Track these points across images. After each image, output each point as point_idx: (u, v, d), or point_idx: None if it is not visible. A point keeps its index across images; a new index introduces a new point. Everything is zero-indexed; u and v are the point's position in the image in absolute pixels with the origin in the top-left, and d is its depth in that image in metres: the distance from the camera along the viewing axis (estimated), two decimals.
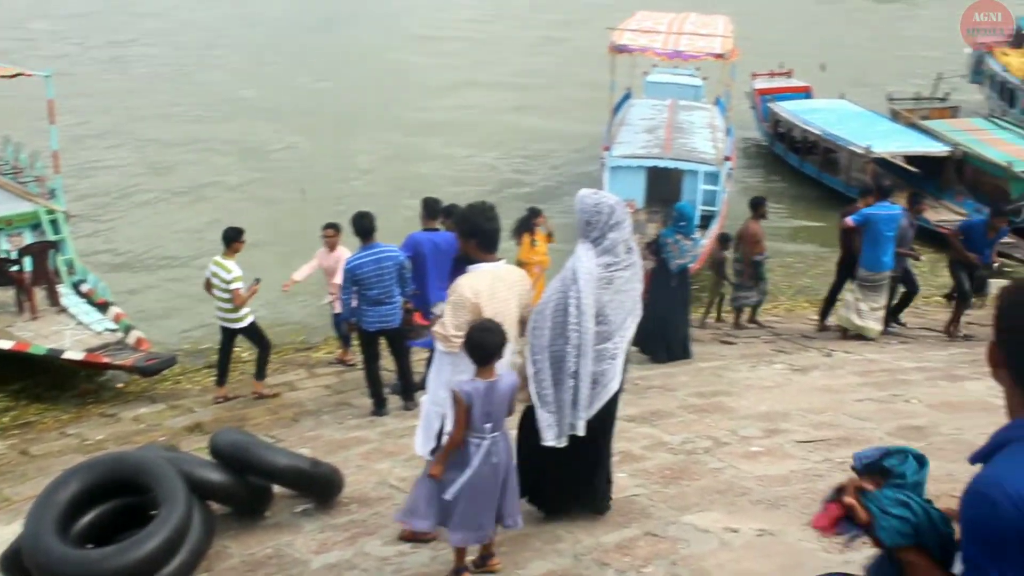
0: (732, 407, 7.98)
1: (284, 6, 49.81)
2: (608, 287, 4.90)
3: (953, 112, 23.63)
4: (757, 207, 12.34)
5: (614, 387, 4.98)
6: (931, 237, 15.63)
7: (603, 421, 5.18)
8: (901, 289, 12.03)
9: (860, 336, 11.37)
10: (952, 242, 11.99)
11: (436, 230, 9.73)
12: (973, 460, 2.18)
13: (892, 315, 12.06)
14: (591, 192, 5.11)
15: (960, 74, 27.31)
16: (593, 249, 4.92)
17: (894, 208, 11.35)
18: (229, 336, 10.27)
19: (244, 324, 10.14)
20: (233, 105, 28.03)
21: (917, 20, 49.53)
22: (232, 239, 9.96)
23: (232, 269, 9.81)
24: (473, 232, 5.24)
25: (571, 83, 30.26)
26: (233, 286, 9.77)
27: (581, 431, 4.90)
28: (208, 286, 10.10)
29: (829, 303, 12.33)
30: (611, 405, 5.18)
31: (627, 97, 21.87)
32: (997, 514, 1.93)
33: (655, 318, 9.92)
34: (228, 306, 9.95)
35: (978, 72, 26.91)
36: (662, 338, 10.32)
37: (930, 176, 18.93)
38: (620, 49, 18.41)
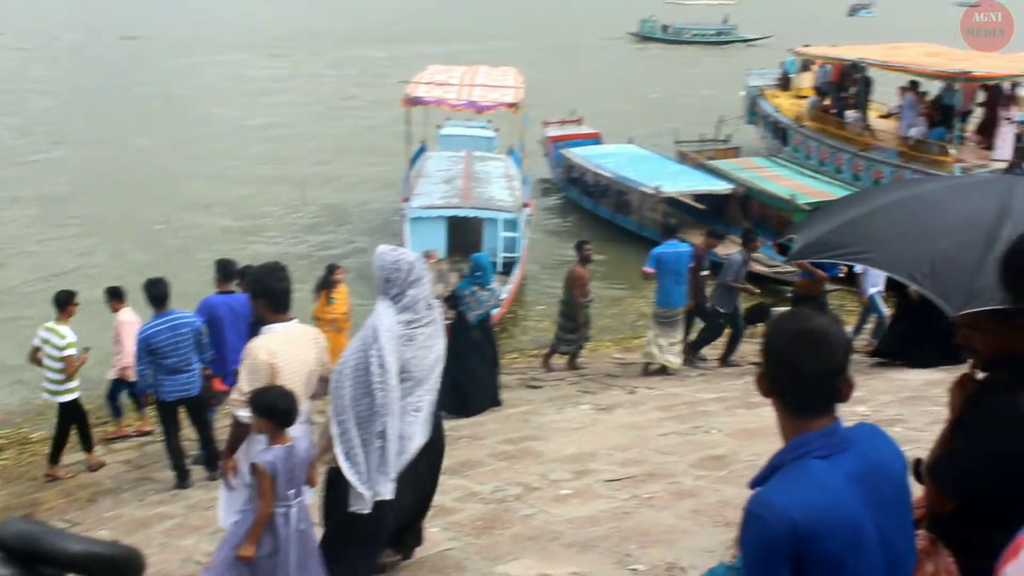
0: (541, 451, 8.02)
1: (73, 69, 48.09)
2: (410, 344, 4.85)
3: (736, 152, 24.82)
4: (580, 250, 12.60)
5: (418, 443, 4.91)
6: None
7: (432, 473, 5.16)
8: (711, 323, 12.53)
9: (662, 371, 11.72)
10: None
11: (231, 292, 9.47)
12: (752, 485, 2.32)
13: (693, 349, 12.48)
14: (390, 249, 5.06)
15: (738, 115, 28.76)
16: (393, 306, 4.87)
17: (682, 246, 11.81)
18: (67, 409, 9.57)
19: (74, 396, 9.53)
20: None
21: (700, 66, 52.14)
22: (65, 302, 9.35)
23: (66, 335, 9.22)
24: (263, 292, 5.16)
25: (369, 137, 30.28)
26: (66, 352, 9.17)
27: (390, 494, 4.80)
28: (36, 354, 9.48)
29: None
30: (435, 457, 5.16)
31: (422, 150, 22.03)
32: (768, 532, 2.05)
33: (459, 371, 9.94)
34: (59, 376, 9.32)
35: (753, 113, 28.46)
36: (467, 391, 10.32)
37: (717, 213, 19.78)
38: (415, 102, 18.56)
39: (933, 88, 23.01)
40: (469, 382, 10.30)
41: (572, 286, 12.41)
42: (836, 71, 25.79)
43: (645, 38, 69.77)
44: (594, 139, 25.14)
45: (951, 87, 21.34)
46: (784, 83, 29.09)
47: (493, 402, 10.61)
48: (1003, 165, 19.82)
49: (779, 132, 25.91)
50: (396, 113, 19.09)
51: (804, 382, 2.25)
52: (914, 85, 22.56)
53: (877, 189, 3.27)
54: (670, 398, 10.15)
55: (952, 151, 20.19)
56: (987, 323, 2.57)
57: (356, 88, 42.08)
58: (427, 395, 4.94)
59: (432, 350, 4.98)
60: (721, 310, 12.35)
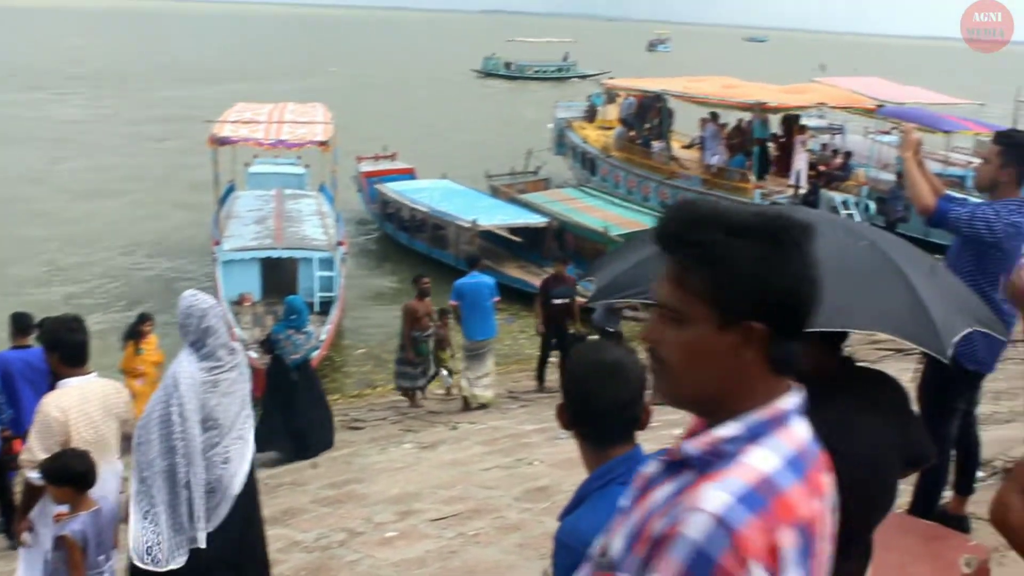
0: (365, 494, 7.88)
1: None
2: (214, 390, 4.67)
3: (546, 184, 25.26)
4: (417, 283, 12.62)
5: (234, 491, 4.73)
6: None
7: (252, 528, 4.97)
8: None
9: (483, 405, 11.74)
10: (537, 301, 12.76)
11: (28, 347, 8.94)
12: (561, 516, 2.37)
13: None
14: (189, 294, 4.88)
15: (547, 147, 29.32)
16: (194, 353, 4.69)
17: (483, 277, 11.97)
18: None
19: None
20: None
21: (512, 101, 52.99)
22: None
23: None
24: (56, 345, 4.92)
25: (179, 178, 29.42)
26: None
27: (202, 543, 4.59)
28: None
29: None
30: (252, 511, 4.97)
31: (231, 189, 21.49)
32: (576, 560, 2.05)
33: (291, 415, 9.70)
34: None
35: (561, 145, 29.10)
36: (305, 434, 10.08)
37: (533, 245, 20.02)
38: (222, 141, 18.11)
39: (731, 119, 24.05)
40: (306, 426, 10.06)
41: (405, 320, 12.35)
42: (639, 103, 26.65)
43: (489, 75, 71.59)
44: (408, 174, 25.12)
45: (762, 121, 22.34)
46: (591, 115, 29.86)
47: (327, 444, 10.39)
48: (800, 190, 20.88)
49: (587, 162, 26.54)
50: (205, 153, 18.57)
51: (602, 413, 2.29)
52: (715, 116, 23.54)
53: None
54: (492, 431, 10.15)
55: (751, 178, 21.10)
56: None
57: (164, 128, 40.88)
58: (235, 443, 4.76)
59: (236, 396, 4.82)
60: (610, 329, 12.60)
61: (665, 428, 8.97)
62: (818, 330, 2.48)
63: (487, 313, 11.76)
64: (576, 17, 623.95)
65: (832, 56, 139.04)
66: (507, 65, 73.43)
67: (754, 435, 1.55)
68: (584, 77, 66.05)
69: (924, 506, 5.04)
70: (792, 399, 1.60)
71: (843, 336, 2.71)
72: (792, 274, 1.56)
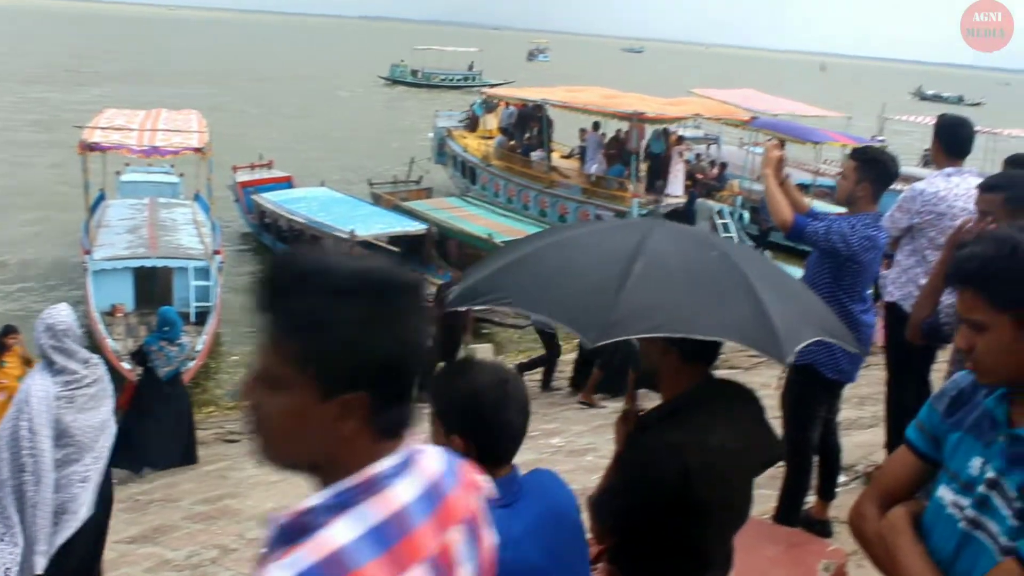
0: (239, 509, 7.73)
1: None
2: (70, 406, 4.52)
3: (428, 193, 25.22)
4: None
5: (85, 513, 4.58)
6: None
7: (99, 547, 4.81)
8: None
9: None
10: (435, 308, 12.75)
11: None
12: None
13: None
14: (49, 309, 4.74)
15: (428, 156, 29.30)
16: (48, 368, 4.54)
17: None
18: None
19: None
20: None
21: (396, 109, 52.80)
22: None
23: None
24: None
25: (45, 186, 28.42)
26: None
27: (39, 568, 4.44)
28: None
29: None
30: (102, 531, 4.82)
31: (101, 198, 20.86)
32: None
33: (135, 423, 9.44)
34: None
35: (441, 153, 29.11)
36: (142, 444, 9.80)
37: (413, 253, 19.94)
38: (92, 147, 17.58)
39: (610, 129, 24.39)
40: (148, 435, 9.78)
41: None
42: (519, 111, 26.84)
43: (396, 82, 71.69)
44: (286, 183, 24.73)
45: (657, 135, 22.68)
46: (472, 124, 29.95)
47: (188, 459, 10.15)
48: (677, 200, 21.30)
49: (468, 171, 26.60)
50: (75, 159, 17.99)
51: (494, 434, 2.28)
52: (596, 126, 23.84)
53: (532, 237, 3.38)
54: None
55: (630, 187, 21.42)
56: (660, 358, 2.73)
57: (28, 133, 39.52)
58: (96, 464, 4.62)
59: (97, 412, 4.68)
60: (548, 331, 12.77)
61: (543, 437, 9.06)
62: (668, 338, 2.54)
63: None
64: (458, 25, 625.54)
65: (706, 68, 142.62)
66: (414, 73, 73.80)
67: (343, 504, 1.45)
68: (491, 86, 66.90)
69: (788, 512, 5.18)
70: (388, 462, 1.51)
71: (709, 351, 2.76)
72: (395, 338, 1.48)
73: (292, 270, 1.49)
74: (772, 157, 5.29)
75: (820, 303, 3.30)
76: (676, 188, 22.12)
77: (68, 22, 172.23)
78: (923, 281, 5.65)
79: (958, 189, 5.63)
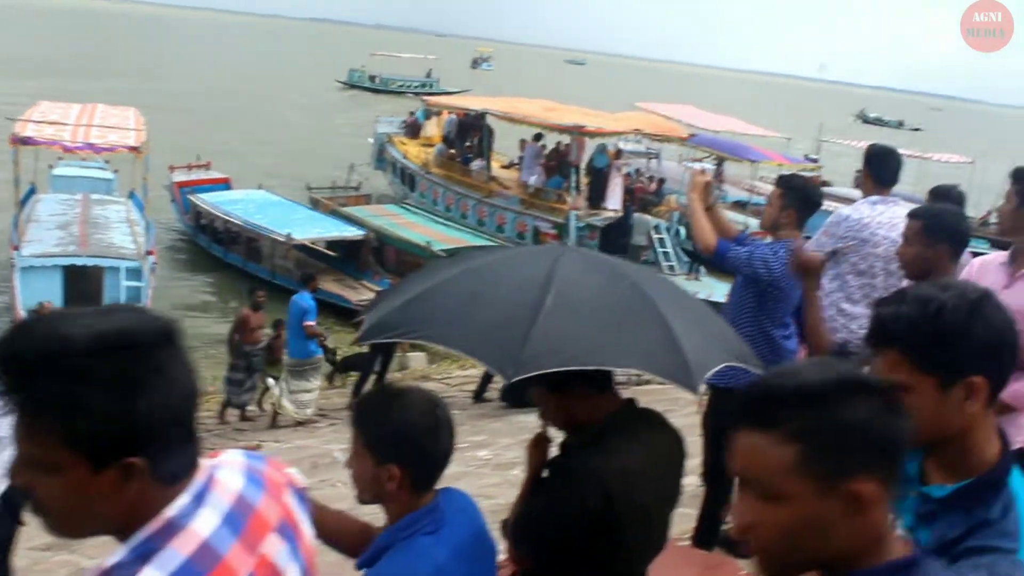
0: None
1: None
2: None
3: (367, 199, 25.15)
4: (252, 295, 12.42)
5: None
6: (349, 314, 16.37)
7: None
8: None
9: (300, 423, 11.58)
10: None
11: None
12: (359, 565, 2.32)
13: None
14: None
15: (367, 162, 29.20)
16: None
17: (303, 296, 11.84)
18: None
19: None
20: None
21: (348, 113, 52.48)
22: None
23: None
24: None
25: None
26: None
27: None
28: None
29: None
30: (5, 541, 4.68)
31: (32, 192, 20.46)
32: None
33: None
34: None
35: (381, 159, 29.03)
36: None
37: (350, 259, 19.87)
38: (24, 141, 17.28)
39: (551, 141, 24.48)
40: None
41: (235, 328, 12.16)
42: (460, 120, 26.83)
43: (353, 87, 71.57)
44: (223, 184, 24.50)
45: (601, 151, 22.78)
46: (414, 130, 29.90)
47: None
48: (614, 213, 21.43)
49: (407, 178, 26.55)
50: (4, 152, 17.67)
51: (430, 462, 2.31)
52: (538, 137, 23.93)
53: (442, 263, 3.36)
54: (296, 451, 9.97)
55: (568, 199, 21.52)
56: (547, 395, 2.74)
57: None
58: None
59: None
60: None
61: (471, 449, 9.05)
62: (579, 370, 2.55)
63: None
64: (405, 31, 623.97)
65: (649, 83, 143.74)
66: (372, 78, 74.16)
67: (146, 554, 1.41)
68: (447, 94, 67.22)
69: (707, 533, 5.24)
70: (183, 500, 1.48)
71: (601, 378, 2.77)
72: (160, 393, 1.42)
73: (32, 348, 1.37)
74: (698, 182, 5.38)
75: (727, 327, 3.35)
76: (614, 202, 22.26)
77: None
78: (844, 305, 5.78)
79: (882, 217, 5.74)
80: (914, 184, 31.18)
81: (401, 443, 2.28)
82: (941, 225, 4.01)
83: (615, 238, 20.61)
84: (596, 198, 22.43)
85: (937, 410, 1.96)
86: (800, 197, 5.13)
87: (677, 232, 22.00)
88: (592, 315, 2.68)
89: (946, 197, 6.64)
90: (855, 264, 5.75)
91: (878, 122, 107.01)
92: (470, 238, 20.57)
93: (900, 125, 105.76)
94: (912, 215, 4.13)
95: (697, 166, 27.34)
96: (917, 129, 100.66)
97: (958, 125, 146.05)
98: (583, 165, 22.78)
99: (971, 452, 1.99)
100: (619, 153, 24.05)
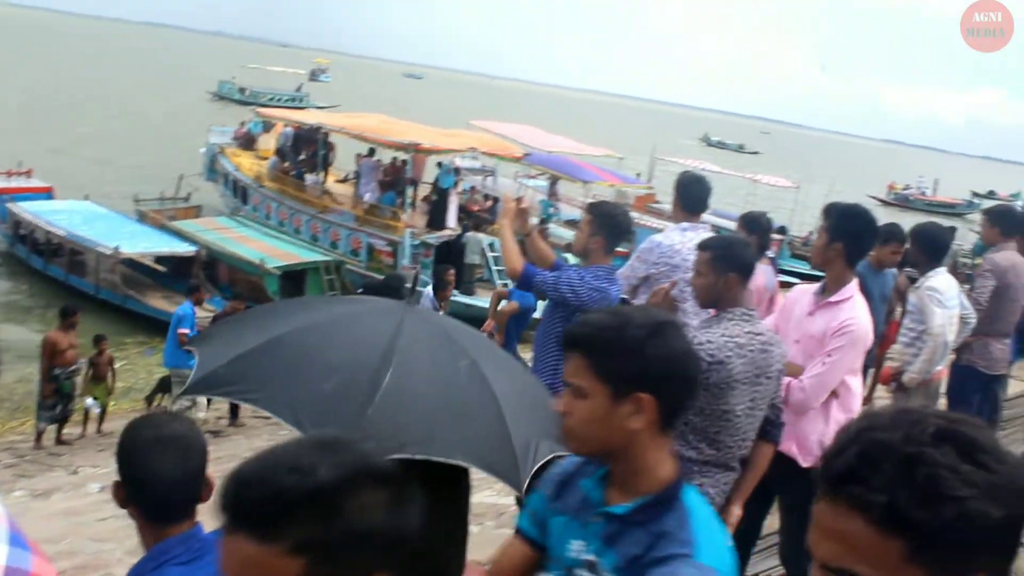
0: None
1: None
2: None
3: (197, 211, 24.53)
4: (66, 316, 11.88)
5: None
6: None
7: None
8: None
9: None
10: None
11: None
12: None
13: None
14: None
15: (199, 173, 28.50)
16: None
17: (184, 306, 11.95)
18: None
19: None
20: None
21: (198, 125, 51.10)
22: None
23: None
24: None
25: None
26: None
27: None
28: None
29: None
30: None
31: None
32: None
33: None
34: None
35: (213, 171, 28.35)
36: None
37: (180, 275, 19.33)
38: None
39: (387, 156, 24.38)
40: None
41: (43, 352, 11.65)
42: (296, 133, 26.47)
43: (223, 99, 71.20)
44: (45, 193, 23.48)
45: (448, 170, 22.75)
46: (248, 142, 29.35)
47: None
48: (449, 233, 21.48)
49: (240, 191, 25.99)
50: None
51: (161, 489, 2.23)
52: (371, 152, 23.82)
53: (282, 310, 3.31)
54: (114, 475, 9.66)
55: (404, 216, 21.50)
56: None
57: None
58: None
59: None
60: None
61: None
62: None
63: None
64: (244, 39, 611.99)
65: (486, 99, 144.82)
66: (242, 91, 73.14)
67: None
68: (319, 108, 67.14)
69: None
70: None
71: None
72: None
73: None
74: (508, 209, 5.50)
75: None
76: (450, 220, 22.34)
77: None
78: None
79: (691, 243, 5.95)
80: (742, 205, 32.47)
81: (124, 469, 2.26)
82: (727, 256, 4.14)
83: (450, 257, 20.66)
84: (439, 219, 22.43)
85: (606, 420, 2.05)
86: (608, 224, 5.28)
87: None
88: (429, 399, 2.68)
89: (755, 223, 7.01)
90: None
91: (720, 145, 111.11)
92: (305, 253, 20.32)
93: (740, 148, 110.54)
94: (701, 246, 4.27)
95: (531, 183, 27.87)
96: (755, 152, 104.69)
97: (787, 148, 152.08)
98: (427, 183, 22.80)
99: (645, 472, 2.08)
100: (456, 171, 24.14)
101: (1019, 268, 7.24)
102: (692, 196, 6.21)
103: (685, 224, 6.08)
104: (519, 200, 5.78)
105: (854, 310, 4.63)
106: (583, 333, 2.11)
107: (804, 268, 31.76)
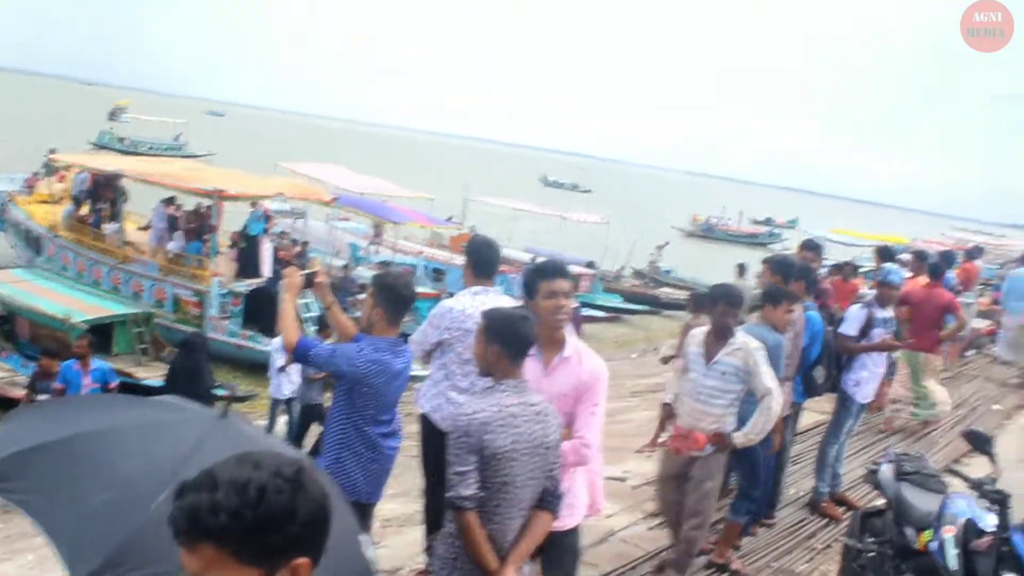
0: None
1: None
2: None
3: None
4: None
5: None
6: None
7: None
8: None
9: None
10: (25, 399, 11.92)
11: None
12: None
13: None
14: None
15: None
16: None
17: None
18: None
19: None
20: None
21: None
22: None
23: None
24: None
25: None
26: None
27: None
28: None
29: None
30: None
31: None
32: None
33: None
34: None
35: (2, 220, 26.84)
36: None
37: None
38: None
39: (190, 202, 23.58)
40: None
41: None
42: (92, 180, 25.25)
43: (104, 148, 68.71)
44: None
45: (257, 217, 22.08)
46: (38, 189, 28.01)
47: None
48: (261, 280, 20.94)
49: (32, 241, 24.62)
50: None
51: None
52: (170, 200, 22.98)
53: (85, 406, 3.07)
54: None
55: (210, 265, 20.76)
56: None
57: None
58: None
59: None
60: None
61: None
62: None
63: None
64: (49, 77, 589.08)
65: (292, 136, 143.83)
66: (121, 140, 71.99)
67: None
68: (196, 157, 66.51)
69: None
70: None
71: None
72: None
73: None
74: (291, 283, 5.37)
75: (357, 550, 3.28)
76: (265, 268, 21.79)
77: None
78: (452, 394, 5.97)
79: (483, 307, 5.88)
80: (556, 241, 33.05)
81: None
82: (496, 329, 4.15)
83: (261, 305, 20.11)
84: (251, 267, 21.81)
85: None
86: (389, 296, 5.21)
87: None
88: (127, 527, 2.44)
89: (541, 272, 6.91)
90: (460, 354, 5.93)
91: (556, 185, 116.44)
92: (112, 306, 19.25)
93: (575, 187, 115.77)
94: (482, 314, 4.27)
95: (342, 226, 27.49)
96: (588, 191, 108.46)
97: (613, 184, 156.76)
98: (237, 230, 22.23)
99: None
100: (267, 217, 23.58)
101: (797, 315, 7.54)
102: (483, 260, 6.21)
103: (476, 288, 6.09)
104: (318, 273, 5.67)
105: (593, 356, 4.88)
106: (215, 523, 1.80)
107: (617, 301, 32.58)
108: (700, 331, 6.58)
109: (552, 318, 4.84)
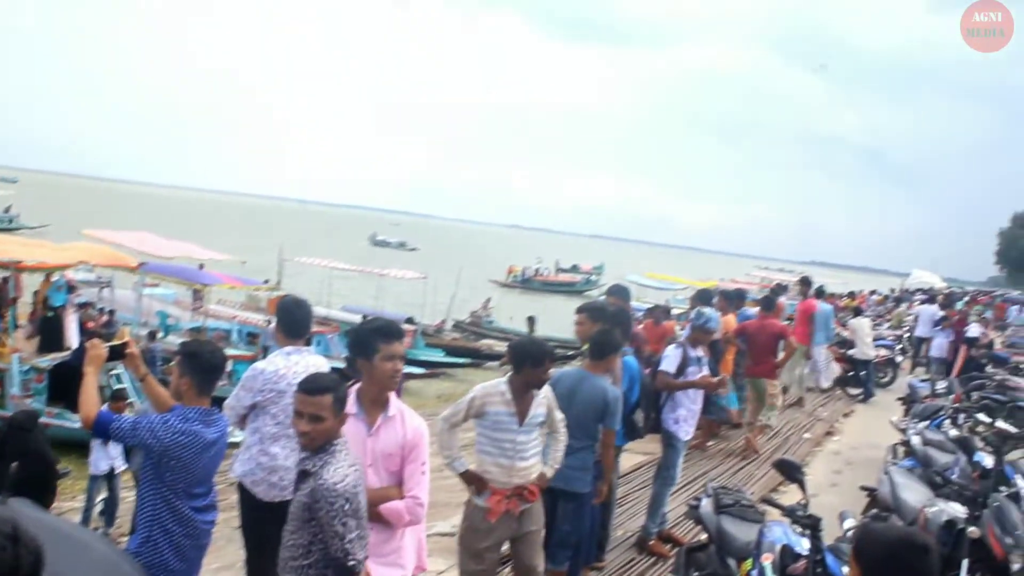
0: None
1: None
2: None
3: None
4: None
5: None
6: None
7: None
8: None
9: None
10: None
11: None
12: None
13: None
14: None
15: None
16: None
17: None
18: None
19: None
20: None
21: None
22: None
23: None
24: None
25: None
26: None
27: None
28: None
29: None
30: None
31: None
32: None
33: None
34: None
35: None
36: None
37: None
38: None
39: None
40: None
41: None
42: None
43: None
44: None
45: (59, 287, 21.06)
46: None
47: None
48: (66, 353, 19.97)
49: None
50: None
51: None
52: None
53: None
54: None
55: (8, 341, 19.70)
56: None
57: None
58: None
59: None
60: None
61: None
62: None
63: None
64: None
65: (91, 202, 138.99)
66: None
67: None
68: (31, 228, 62.67)
69: None
70: None
71: None
72: None
73: None
74: (95, 355, 5.15)
75: None
76: (71, 339, 20.83)
77: None
78: (263, 459, 5.79)
79: (297, 367, 5.85)
80: (375, 299, 32.88)
81: None
82: (314, 385, 4.22)
83: (67, 378, 19.15)
84: (54, 339, 20.80)
85: None
86: (196, 365, 4.99)
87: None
88: None
89: (381, 333, 6.88)
90: (275, 416, 5.85)
91: (384, 244, 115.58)
92: None
93: (402, 246, 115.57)
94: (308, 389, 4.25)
95: (148, 292, 26.58)
96: (415, 248, 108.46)
97: (439, 240, 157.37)
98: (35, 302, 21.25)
99: None
100: (71, 288, 22.62)
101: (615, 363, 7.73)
102: (293, 321, 6.19)
103: (289, 348, 6.02)
104: (128, 344, 5.42)
105: (414, 415, 4.96)
106: None
107: (439, 356, 32.56)
108: (496, 390, 6.05)
109: (390, 380, 4.86)
